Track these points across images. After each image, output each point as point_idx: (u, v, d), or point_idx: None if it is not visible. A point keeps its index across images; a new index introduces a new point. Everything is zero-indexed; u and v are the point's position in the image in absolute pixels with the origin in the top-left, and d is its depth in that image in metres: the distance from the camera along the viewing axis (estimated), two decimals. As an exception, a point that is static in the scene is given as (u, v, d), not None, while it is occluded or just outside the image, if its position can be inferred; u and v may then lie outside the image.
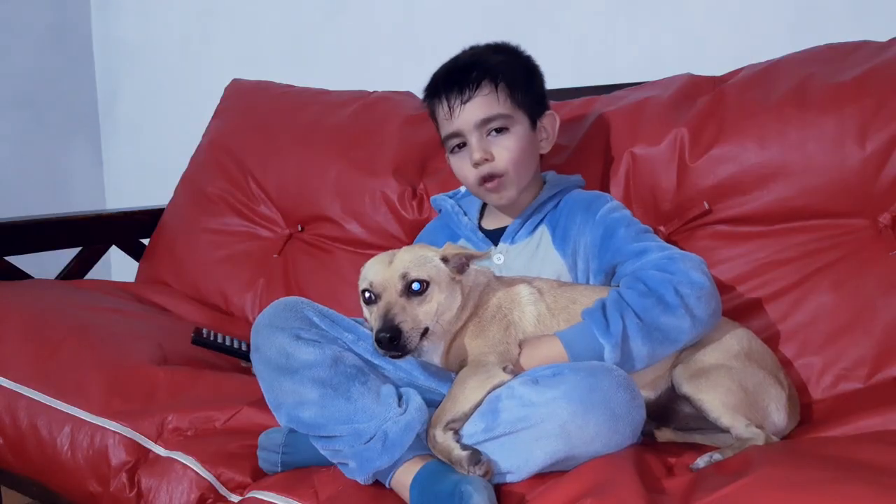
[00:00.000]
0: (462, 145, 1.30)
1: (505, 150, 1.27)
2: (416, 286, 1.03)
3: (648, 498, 0.83)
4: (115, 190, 2.91)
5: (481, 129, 1.27)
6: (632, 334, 1.05)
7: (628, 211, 1.28)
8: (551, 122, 1.36)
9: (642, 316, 1.06)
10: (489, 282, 1.15)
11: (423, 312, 1.03)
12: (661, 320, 1.06)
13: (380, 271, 1.05)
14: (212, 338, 1.40)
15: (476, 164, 1.27)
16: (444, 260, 1.08)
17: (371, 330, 1.04)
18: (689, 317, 1.07)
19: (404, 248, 1.10)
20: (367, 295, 1.06)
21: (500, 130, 1.27)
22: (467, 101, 1.26)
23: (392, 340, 0.98)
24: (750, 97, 1.41)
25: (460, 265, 1.09)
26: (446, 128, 1.31)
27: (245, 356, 1.36)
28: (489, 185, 1.28)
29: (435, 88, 1.32)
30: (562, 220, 1.30)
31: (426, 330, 1.04)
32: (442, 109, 1.30)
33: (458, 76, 1.28)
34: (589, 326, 1.06)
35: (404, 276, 1.03)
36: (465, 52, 1.35)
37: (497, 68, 1.28)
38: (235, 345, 1.41)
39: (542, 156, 1.40)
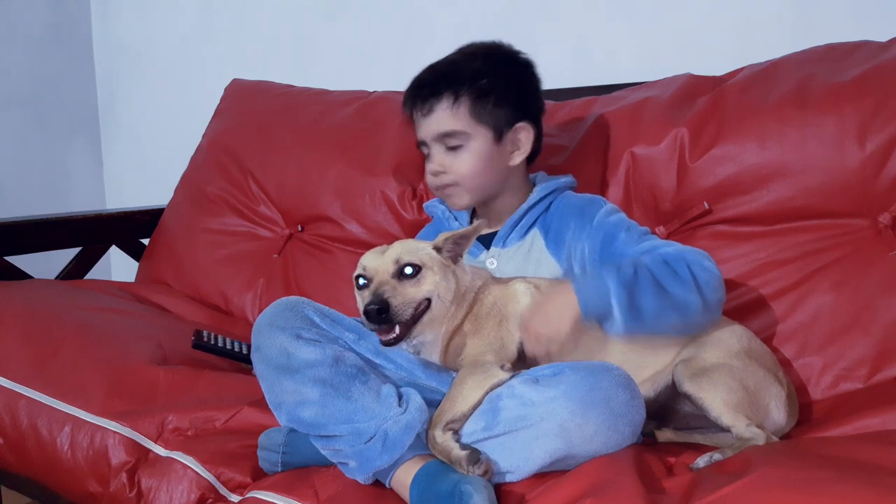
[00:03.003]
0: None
1: (460, 164, 1.29)
2: (408, 270, 1.05)
3: (648, 498, 0.83)
4: (115, 190, 2.91)
5: (440, 141, 1.29)
6: (641, 283, 1.05)
7: (624, 213, 1.28)
8: (525, 134, 1.33)
9: (655, 273, 1.07)
10: (486, 282, 1.16)
11: (415, 292, 1.05)
12: (672, 285, 1.06)
13: (374, 259, 1.08)
14: (212, 341, 1.40)
15: (434, 174, 1.31)
16: (437, 249, 1.11)
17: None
18: (699, 295, 1.07)
19: (398, 241, 1.13)
20: (360, 281, 1.08)
21: (456, 146, 1.28)
22: (427, 113, 1.29)
23: (380, 312, 0.99)
24: (750, 97, 1.41)
25: (454, 254, 1.12)
26: (416, 134, 1.35)
27: (246, 359, 1.36)
28: (445, 191, 1.32)
29: (405, 97, 1.35)
30: (554, 224, 1.30)
31: (428, 305, 1.06)
32: (412, 118, 1.34)
33: (422, 87, 1.31)
34: (599, 271, 1.08)
35: (397, 261, 1.06)
36: (444, 59, 1.35)
37: (464, 80, 1.27)
38: (236, 348, 1.41)
39: (539, 156, 1.39)
